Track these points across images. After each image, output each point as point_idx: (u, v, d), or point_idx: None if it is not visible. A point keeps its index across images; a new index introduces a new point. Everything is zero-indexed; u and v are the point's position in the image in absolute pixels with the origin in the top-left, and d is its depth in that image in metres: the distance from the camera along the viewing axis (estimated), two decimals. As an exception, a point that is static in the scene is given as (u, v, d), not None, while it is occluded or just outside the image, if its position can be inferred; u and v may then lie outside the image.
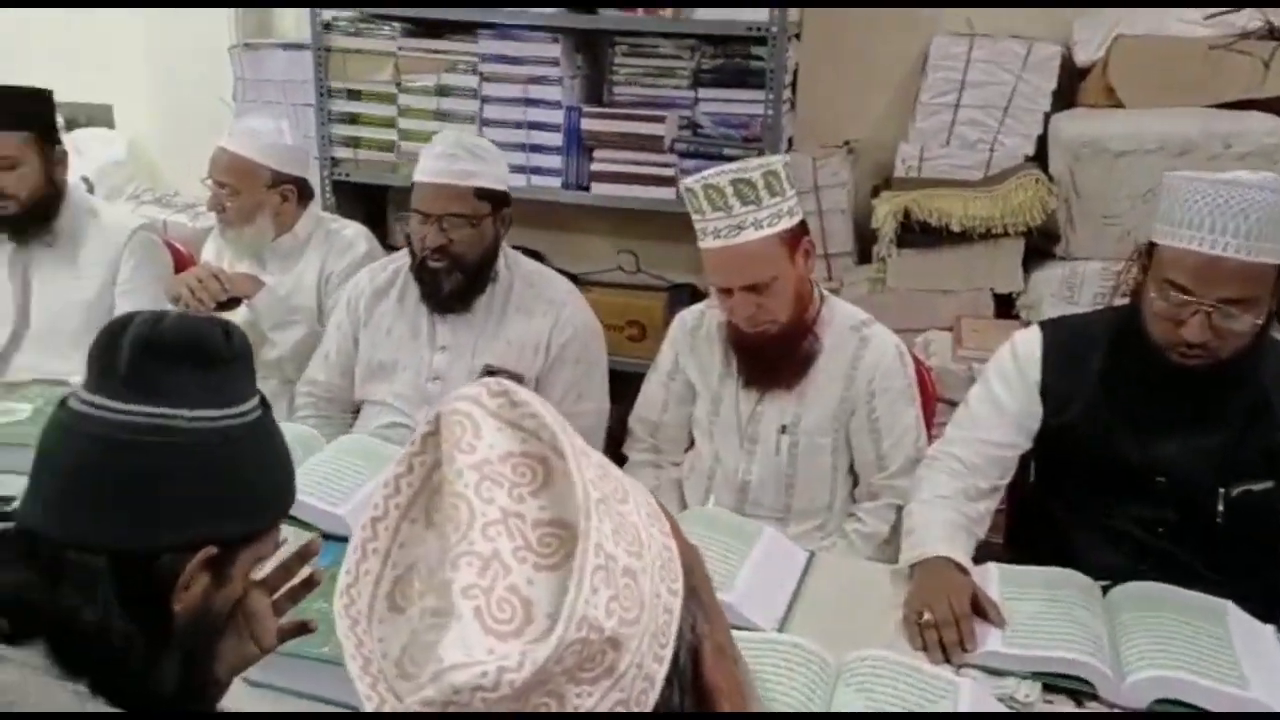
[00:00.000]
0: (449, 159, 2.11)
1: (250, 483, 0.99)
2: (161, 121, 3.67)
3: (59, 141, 2.52)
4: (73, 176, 2.65)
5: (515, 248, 2.40)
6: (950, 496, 1.83)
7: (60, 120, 2.70)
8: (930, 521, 1.79)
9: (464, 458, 0.64)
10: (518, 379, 2.19)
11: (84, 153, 3.47)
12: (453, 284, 2.18)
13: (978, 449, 1.88)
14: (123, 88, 3.69)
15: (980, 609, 1.59)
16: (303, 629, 1.17)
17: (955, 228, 2.79)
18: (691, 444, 2.23)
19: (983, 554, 1.82)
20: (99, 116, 3.74)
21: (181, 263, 2.76)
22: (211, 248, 2.62)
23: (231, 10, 3.41)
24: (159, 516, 0.93)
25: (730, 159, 2.52)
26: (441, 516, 0.65)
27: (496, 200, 2.18)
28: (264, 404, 1.03)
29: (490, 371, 2.16)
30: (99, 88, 3.68)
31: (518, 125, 2.99)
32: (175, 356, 0.94)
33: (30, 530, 0.94)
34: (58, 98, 2.54)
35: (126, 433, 0.92)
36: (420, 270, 2.19)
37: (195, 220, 3.35)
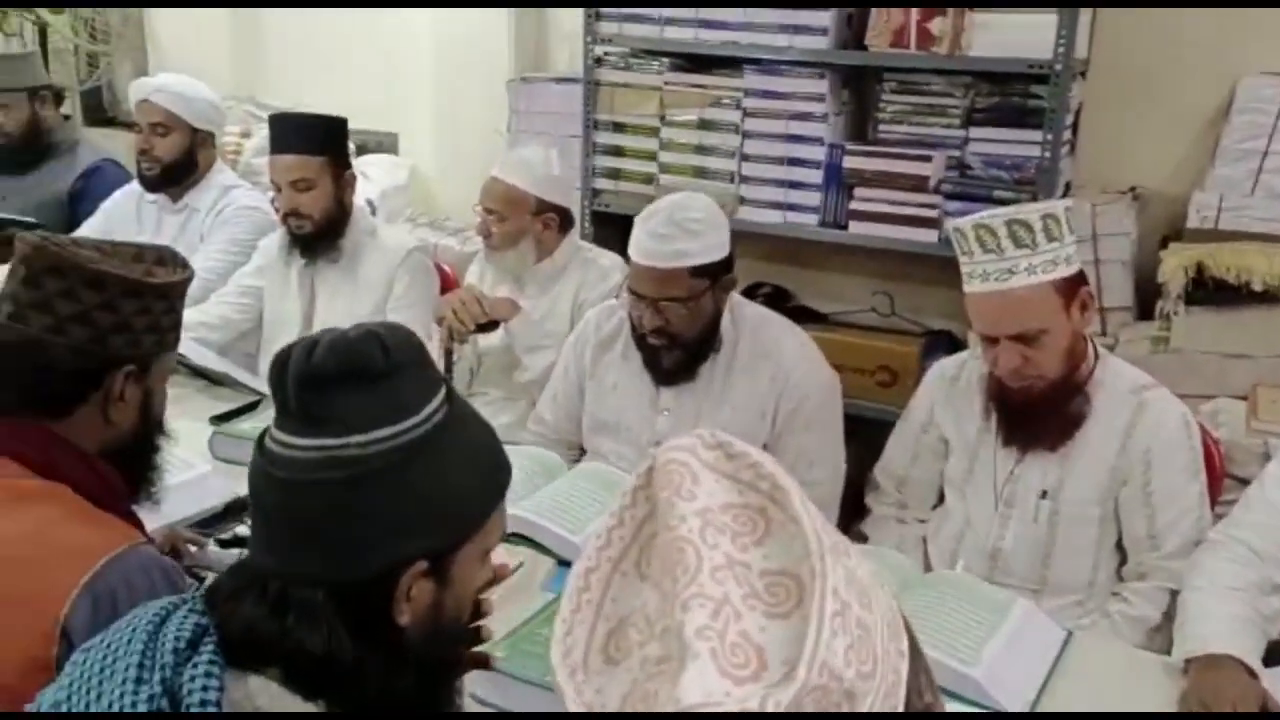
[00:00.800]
0: (661, 239, 1.99)
1: (444, 490, 0.94)
2: (441, 150, 3.89)
3: (349, 166, 2.71)
4: (358, 199, 2.84)
5: (763, 285, 2.35)
6: (1240, 589, 1.63)
7: (352, 146, 2.91)
8: (1213, 613, 1.60)
9: (685, 504, 0.62)
10: None
11: (371, 177, 3.72)
12: (673, 360, 2.11)
13: (1275, 537, 1.67)
14: (410, 118, 3.95)
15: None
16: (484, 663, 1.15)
17: (1257, 286, 2.52)
18: (940, 501, 2.10)
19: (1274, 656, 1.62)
20: (387, 144, 4.01)
21: (448, 284, 2.91)
22: (475, 270, 2.73)
23: (512, 45, 3.57)
24: (357, 546, 0.91)
25: (1000, 202, 2.38)
26: (658, 567, 0.63)
27: (716, 271, 2.06)
28: (449, 397, 0.98)
29: (711, 443, 2.11)
30: (389, 117, 3.95)
31: (778, 161, 2.96)
32: (335, 383, 0.91)
33: (257, 565, 0.95)
34: (351, 126, 2.73)
35: (307, 470, 0.90)
36: (640, 342, 2.14)
37: (464, 244, 3.51)
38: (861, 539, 2.10)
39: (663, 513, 0.63)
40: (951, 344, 2.89)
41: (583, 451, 2.33)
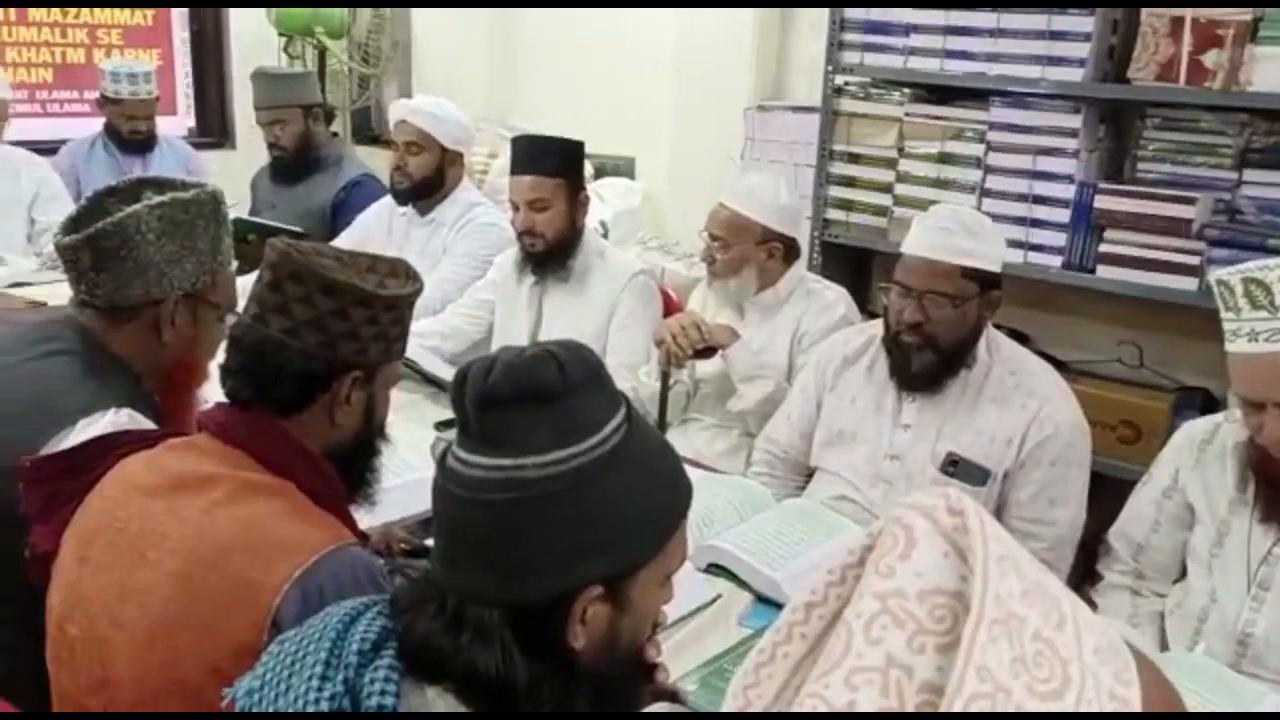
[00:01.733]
0: (942, 233, 1.99)
1: (621, 513, 0.93)
2: (675, 175, 3.93)
3: (584, 188, 2.78)
4: (592, 220, 2.90)
5: (1000, 327, 2.23)
6: None
7: (590, 169, 2.99)
8: None
9: (877, 580, 0.55)
10: (983, 472, 2.02)
11: (605, 200, 3.81)
12: (923, 362, 2.05)
13: None
14: (647, 143, 4.01)
15: None
16: (675, 696, 1.12)
17: None
18: (1182, 575, 1.91)
19: None
20: (623, 168, 4.10)
21: (670, 308, 2.92)
22: (698, 297, 2.73)
23: (753, 74, 3.57)
24: (530, 568, 0.90)
25: (1274, 252, 2.16)
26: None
27: (986, 281, 2.02)
28: (628, 418, 0.96)
29: (954, 461, 2.01)
30: (627, 142, 4.04)
31: (1021, 198, 2.81)
32: (512, 403, 0.90)
33: (435, 579, 0.96)
34: (591, 149, 2.80)
35: (483, 490, 0.90)
36: (892, 343, 2.10)
37: (690, 269, 3.53)
38: (1090, 606, 1.94)
39: (865, 575, 0.57)
40: (1207, 403, 2.65)
41: (807, 479, 2.28)
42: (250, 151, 4.95)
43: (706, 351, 2.43)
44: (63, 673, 1.28)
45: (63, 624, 1.27)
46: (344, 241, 3.32)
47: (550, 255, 2.74)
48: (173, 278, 1.60)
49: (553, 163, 2.70)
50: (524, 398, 0.91)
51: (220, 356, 1.41)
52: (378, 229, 3.29)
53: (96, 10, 4.60)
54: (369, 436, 1.45)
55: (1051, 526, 2.01)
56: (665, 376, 2.51)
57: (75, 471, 1.40)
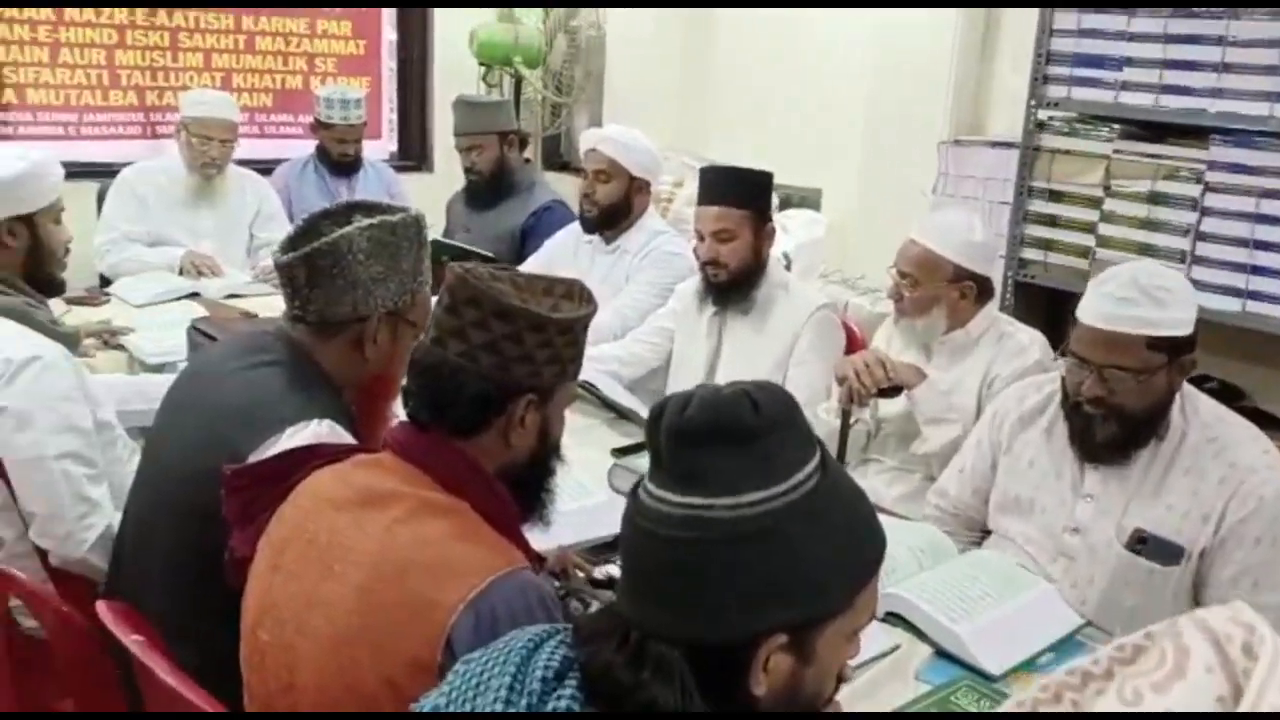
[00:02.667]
0: (1120, 303, 1.81)
1: (810, 562, 0.90)
2: (863, 208, 3.86)
3: (770, 220, 2.75)
4: (775, 251, 2.87)
5: (1207, 380, 2.07)
6: None
7: (775, 199, 2.97)
8: None
9: (1117, 705, 0.47)
10: (1175, 551, 1.85)
11: (790, 231, 3.77)
12: (1108, 433, 1.88)
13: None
14: (835, 174, 3.96)
15: None
16: None
17: None
18: None
19: None
20: (809, 199, 4.05)
21: (854, 343, 2.86)
22: (883, 334, 2.66)
23: (950, 107, 3.47)
24: (714, 610, 0.89)
25: None
26: None
27: (1175, 347, 1.83)
28: (822, 463, 0.93)
29: (1141, 538, 1.86)
30: (814, 173, 4.00)
31: (1240, 243, 2.62)
32: (706, 440, 0.90)
33: (621, 611, 0.96)
34: (777, 179, 2.78)
35: (670, 526, 0.90)
36: (1072, 411, 1.94)
37: (874, 304, 3.45)
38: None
39: (1091, 699, 0.50)
40: None
41: (983, 535, 2.17)
42: (447, 175, 5.15)
43: (891, 391, 2.36)
44: (254, 675, 1.34)
45: (255, 629, 1.33)
46: (531, 265, 3.40)
47: (733, 286, 2.73)
48: (377, 296, 1.67)
49: (740, 194, 2.69)
50: (718, 436, 0.90)
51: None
52: (564, 254, 3.35)
53: (316, 39, 4.90)
54: (544, 457, 1.45)
55: (1261, 612, 1.82)
56: (846, 415, 2.45)
57: (273, 480, 1.46)
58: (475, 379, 1.34)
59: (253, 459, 1.56)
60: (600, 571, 1.72)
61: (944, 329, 2.45)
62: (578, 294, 1.45)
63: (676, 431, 0.91)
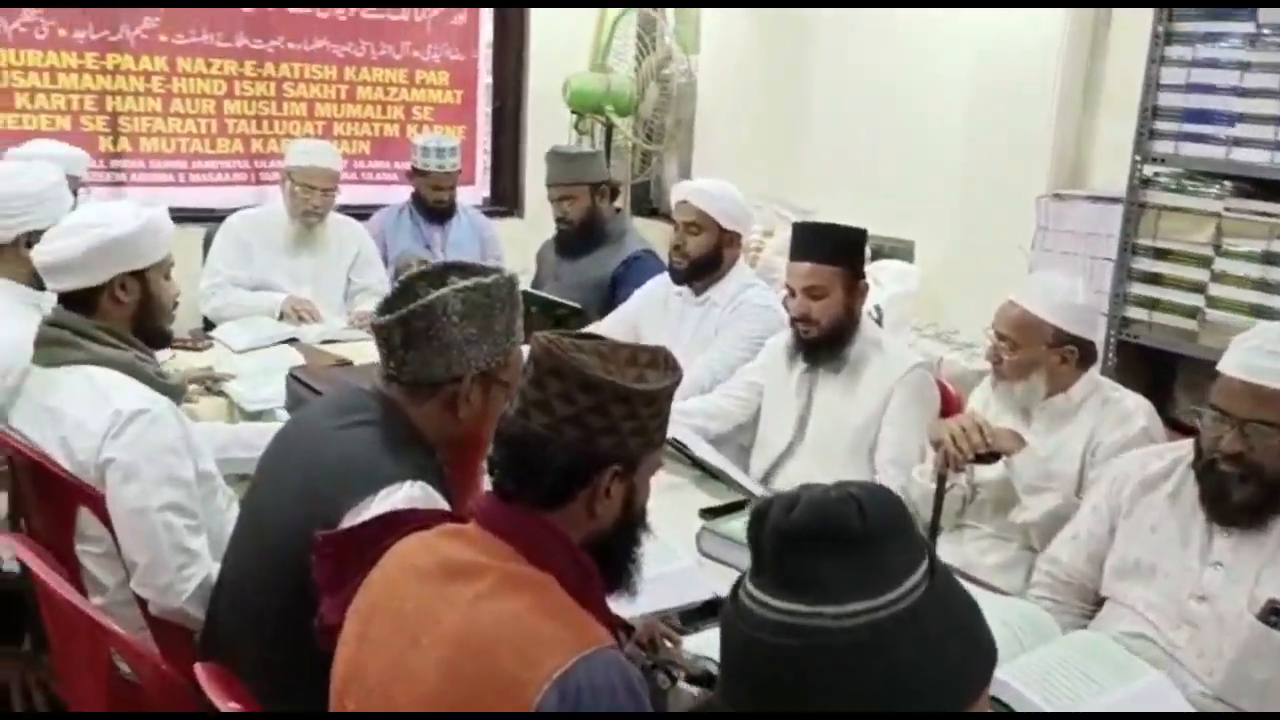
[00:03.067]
0: (1270, 355, 1.78)
1: (915, 676, 0.87)
2: (957, 261, 3.79)
3: (863, 276, 2.72)
4: (867, 304, 2.83)
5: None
6: None
7: (867, 252, 2.94)
8: None
9: None
10: None
11: (880, 283, 3.72)
12: (1245, 495, 1.82)
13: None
14: (928, 226, 3.89)
15: None
16: None
17: None
18: None
19: None
20: (901, 251, 3.99)
21: (949, 403, 2.79)
22: (979, 396, 2.59)
23: (1050, 160, 3.40)
24: None
25: None
26: None
27: None
28: (931, 571, 0.90)
29: (1276, 610, 1.77)
30: (906, 224, 3.93)
31: (1364, 307, 2.50)
32: (810, 544, 0.87)
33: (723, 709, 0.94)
34: (870, 229, 2.75)
35: (771, 631, 0.87)
36: (1206, 470, 1.88)
37: (969, 360, 3.37)
38: None
39: None
40: None
41: (1095, 607, 2.08)
42: (537, 221, 5.21)
43: (989, 457, 2.29)
44: (340, 743, 1.34)
45: (342, 696, 1.33)
46: (621, 315, 3.42)
47: (824, 343, 2.70)
48: (471, 357, 1.68)
49: (833, 250, 2.67)
50: (824, 538, 0.88)
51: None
52: (654, 305, 3.36)
53: (414, 89, 5.02)
54: (630, 526, 1.44)
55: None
56: (941, 479, 2.38)
57: (364, 546, 1.47)
58: (560, 451, 1.34)
59: (347, 520, 1.58)
60: (697, 666, 1.68)
61: (1044, 393, 2.38)
62: (663, 362, 1.44)
63: (781, 534, 0.89)
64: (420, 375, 1.69)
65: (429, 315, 1.66)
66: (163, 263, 2.13)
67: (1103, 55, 3.39)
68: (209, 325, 3.76)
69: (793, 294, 2.70)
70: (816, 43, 4.32)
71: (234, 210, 4.05)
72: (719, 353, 3.08)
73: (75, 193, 3.51)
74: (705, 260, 3.18)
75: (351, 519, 1.58)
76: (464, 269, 1.77)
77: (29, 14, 4.12)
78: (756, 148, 4.57)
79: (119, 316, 2.09)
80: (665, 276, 3.37)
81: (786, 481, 2.70)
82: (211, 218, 4.33)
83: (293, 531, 1.59)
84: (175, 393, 2.13)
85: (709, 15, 4.83)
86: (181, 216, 4.32)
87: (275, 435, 1.86)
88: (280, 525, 1.66)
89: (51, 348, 2.05)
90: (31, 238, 2.43)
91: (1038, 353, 2.34)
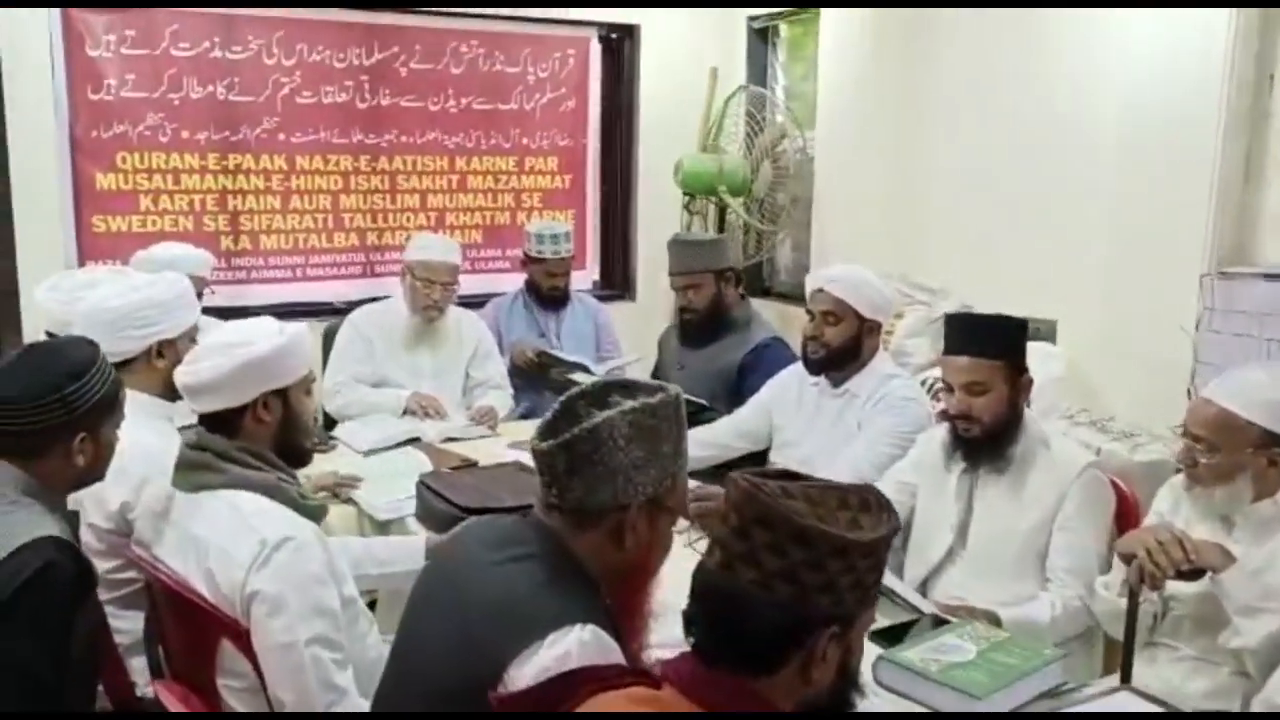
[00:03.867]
0: None
1: None
2: (1108, 343, 3.55)
3: (1026, 370, 2.54)
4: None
5: None
6: None
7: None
8: None
9: None
10: None
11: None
12: None
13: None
14: (1072, 304, 3.68)
15: None
16: None
17: None
18: None
19: None
20: (1043, 331, 3.77)
21: (1125, 505, 2.57)
22: (1167, 499, 2.37)
23: (1210, 235, 3.18)
24: None
25: None
26: None
27: None
28: None
29: None
30: (1047, 303, 3.72)
31: None
32: None
33: None
34: (1004, 310, 2.58)
35: None
36: None
37: (1133, 452, 3.14)
38: None
39: None
40: None
41: None
42: (649, 305, 5.15)
43: (1191, 574, 2.07)
44: None
45: None
46: (753, 408, 3.27)
47: (986, 441, 2.51)
48: (638, 483, 1.57)
49: (993, 344, 2.50)
50: None
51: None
52: (787, 397, 3.21)
53: (523, 175, 5.00)
54: (844, 692, 1.31)
55: None
56: (1133, 596, 2.17)
57: (542, 705, 1.37)
58: (772, 610, 1.22)
59: (513, 669, 1.47)
60: None
61: (1249, 499, 2.15)
62: (875, 503, 1.32)
63: None
64: (585, 503, 1.58)
65: (594, 439, 1.56)
66: (304, 379, 2.06)
67: (1265, 120, 3.17)
68: (330, 423, 3.72)
69: (950, 390, 2.53)
70: (940, 108, 4.16)
71: (350, 303, 4.04)
72: (865, 450, 2.90)
73: (200, 294, 3.53)
74: (844, 350, 3.03)
75: (517, 668, 1.47)
76: (625, 387, 1.67)
77: (153, 116, 4.20)
78: (878, 224, 4.42)
79: (261, 436, 2.01)
80: (798, 366, 3.22)
81: (945, 592, 2.51)
82: (328, 311, 4.34)
83: (449, 681, 1.51)
84: (318, 514, 2.05)
85: (824, 88, 4.72)
86: (299, 311, 4.38)
87: (424, 572, 1.77)
88: (434, 674, 1.56)
89: (193, 472, 1.98)
90: (163, 348, 2.41)
91: (1241, 455, 2.13)
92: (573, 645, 1.47)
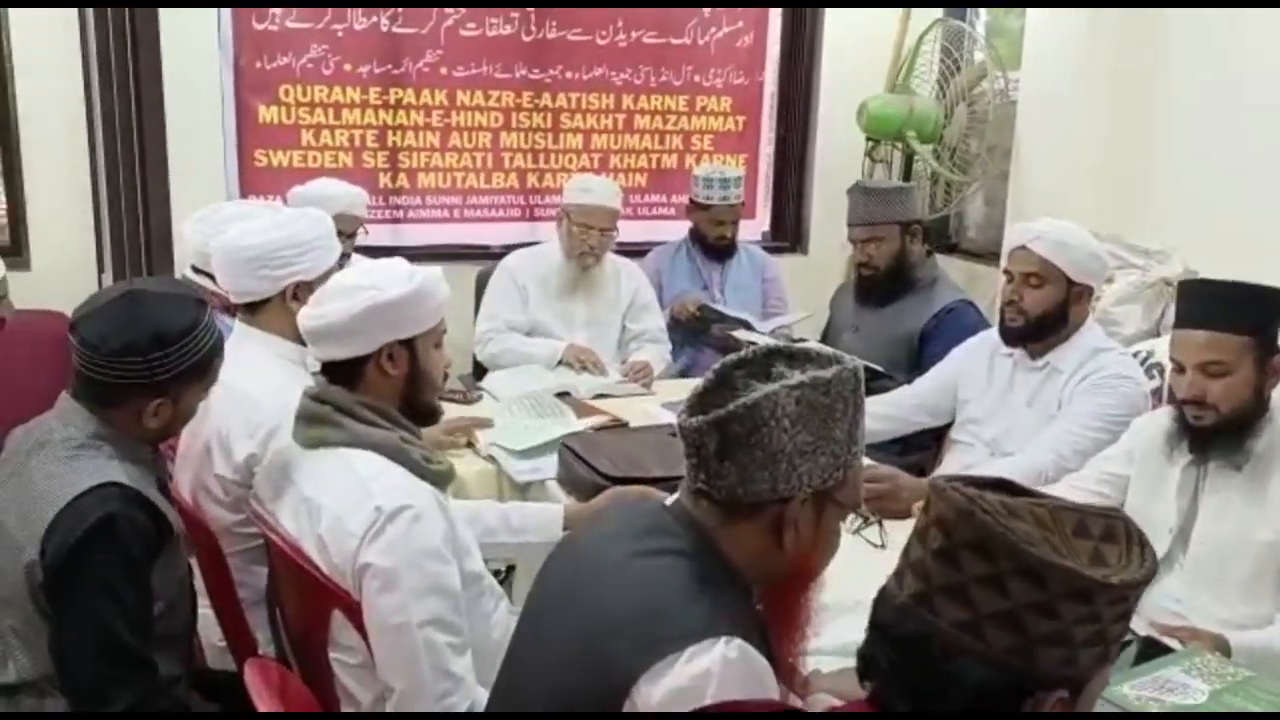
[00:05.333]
0: None
1: None
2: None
3: (1279, 350, 2.12)
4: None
5: None
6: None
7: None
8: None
9: None
10: None
11: None
12: None
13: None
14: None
15: None
16: None
17: None
18: None
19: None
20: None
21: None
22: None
23: None
24: None
25: None
26: None
27: None
28: None
29: None
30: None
31: None
32: None
33: None
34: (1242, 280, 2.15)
35: None
36: None
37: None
38: None
39: None
40: None
41: None
42: (821, 259, 4.81)
43: None
44: None
45: None
46: (936, 378, 2.95)
47: (1221, 431, 2.12)
48: (803, 473, 1.32)
49: (1241, 315, 2.09)
50: None
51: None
52: (976, 368, 2.85)
53: (694, 116, 4.71)
54: None
55: None
56: None
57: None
58: (981, 665, 0.95)
59: (644, 684, 1.25)
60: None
61: None
62: (1124, 535, 1.02)
63: None
64: (738, 492, 1.34)
65: (753, 418, 1.30)
66: (434, 330, 1.86)
67: None
68: (479, 371, 3.57)
69: (1181, 370, 2.14)
70: (1175, 47, 3.60)
71: (507, 247, 3.88)
72: (1066, 433, 2.54)
73: (354, 234, 3.41)
74: (1047, 318, 2.65)
75: (649, 683, 1.25)
76: (792, 355, 1.40)
77: (316, 48, 4.10)
78: (1089, 178, 3.91)
79: (385, 391, 1.83)
80: (989, 333, 2.88)
81: (1158, 606, 2.14)
82: (485, 255, 4.19)
83: (571, 696, 1.32)
84: (443, 479, 1.85)
85: (1032, 24, 4.21)
86: (455, 254, 4.25)
87: (557, 552, 1.55)
88: (556, 684, 1.36)
89: (312, 426, 1.82)
90: (299, 290, 2.24)
91: None
92: (715, 663, 1.25)
